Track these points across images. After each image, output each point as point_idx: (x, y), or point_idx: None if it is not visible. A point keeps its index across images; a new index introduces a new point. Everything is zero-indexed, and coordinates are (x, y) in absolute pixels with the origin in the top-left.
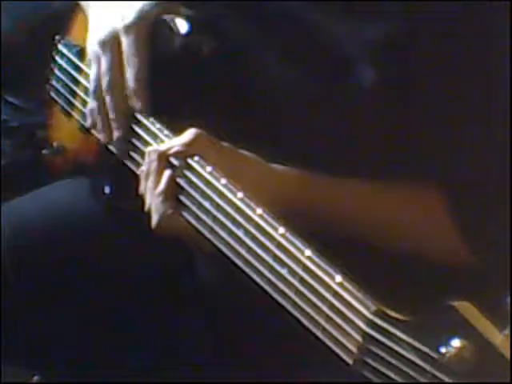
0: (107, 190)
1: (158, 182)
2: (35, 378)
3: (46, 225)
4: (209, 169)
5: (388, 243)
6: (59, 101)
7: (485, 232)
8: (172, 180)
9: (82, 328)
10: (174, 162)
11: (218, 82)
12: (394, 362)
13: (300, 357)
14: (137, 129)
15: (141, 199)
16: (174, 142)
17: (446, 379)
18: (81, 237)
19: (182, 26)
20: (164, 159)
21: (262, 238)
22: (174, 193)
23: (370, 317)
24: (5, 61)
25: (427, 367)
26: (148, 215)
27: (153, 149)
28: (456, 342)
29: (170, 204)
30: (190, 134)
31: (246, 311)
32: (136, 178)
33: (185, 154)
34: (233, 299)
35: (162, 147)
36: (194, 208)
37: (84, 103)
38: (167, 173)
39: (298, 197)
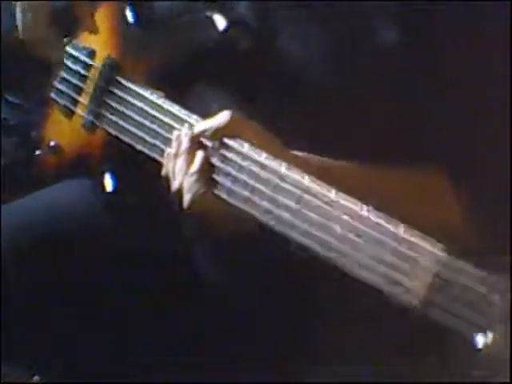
0: (109, 187)
1: (190, 162)
2: (35, 378)
3: (47, 225)
4: (246, 145)
5: None
6: (61, 101)
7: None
8: (205, 160)
9: (82, 328)
10: (207, 142)
11: (249, 72)
12: (466, 297)
13: (300, 356)
14: (160, 116)
15: (144, 194)
16: (208, 124)
17: None
18: (81, 237)
19: (221, 22)
20: (197, 140)
21: (312, 199)
22: (207, 172)
23: (442, 255)
24: (5, 60)
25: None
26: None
27: (183, 131)
28: None
29: (203, 183)
30: (224, 115)
31: (246, 309)
32: (141, 173)
33: (220, 134)
34: (233, 296)
35: (196, 129)
36: (227, 183)
37: (91, 100)
38: (200, 153)
39: None
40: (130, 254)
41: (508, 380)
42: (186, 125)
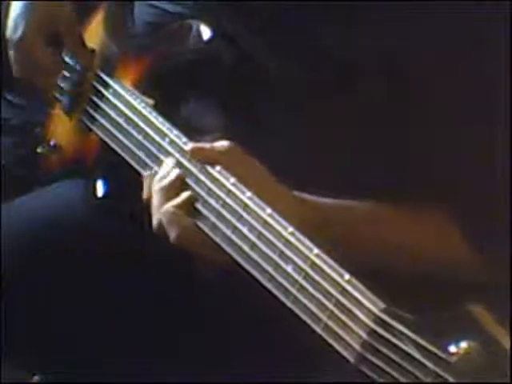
0: (101, 192)
1: (173, 195)
2: (35, 378)
3: (47, 225)
4: (218, 168)
5: (399, 264)
6: (63, 100)
7: (496, 244)
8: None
9: (82, 328)
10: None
11: (230, 88)
12: (398, 360)
13: (298, 358)
14: (145, 127)
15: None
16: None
17: (451, 379)
18: (81, 237)
19: (206, 32)
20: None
21: (268, 235)
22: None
23: (379, 313)
24: (5, 59)
25: (433, 367)
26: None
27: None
28: (465, 344)
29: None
30: (222, 147)
31: (243, 311)
32: (133, 180)
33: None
34: (231, 299)
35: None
36: (197, 205)
37: (87, 101)
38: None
39: (313, 222)
40: (130, 254)
41: (508, 380)
42: (174, 145)
